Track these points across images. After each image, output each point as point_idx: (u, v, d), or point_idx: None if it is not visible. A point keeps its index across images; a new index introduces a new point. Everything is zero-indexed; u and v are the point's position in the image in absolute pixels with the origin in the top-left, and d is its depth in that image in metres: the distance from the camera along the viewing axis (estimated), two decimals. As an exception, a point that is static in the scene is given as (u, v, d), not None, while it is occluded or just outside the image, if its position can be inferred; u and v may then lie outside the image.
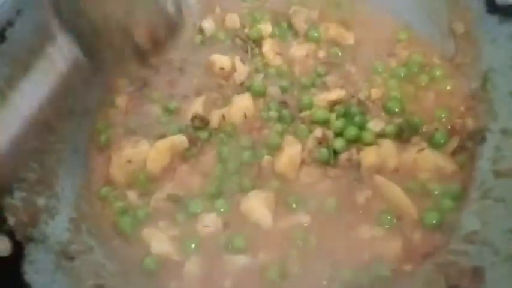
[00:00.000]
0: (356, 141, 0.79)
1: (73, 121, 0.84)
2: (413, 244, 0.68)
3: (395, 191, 0.72)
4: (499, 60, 0.78)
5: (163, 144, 0.81)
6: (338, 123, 0.80)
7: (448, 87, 0.86)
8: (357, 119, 0.80)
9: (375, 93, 0.85)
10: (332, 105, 0.84)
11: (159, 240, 0.72)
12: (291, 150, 0.77)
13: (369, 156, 0.76)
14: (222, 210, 0.75)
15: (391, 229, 0.70)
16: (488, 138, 0.74)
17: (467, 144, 0.76)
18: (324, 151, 0.77)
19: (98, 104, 0.90)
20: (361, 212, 0.73)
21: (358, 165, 0.76)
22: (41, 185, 0.73)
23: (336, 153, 0.78)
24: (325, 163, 0.77)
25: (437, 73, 0.87)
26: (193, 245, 0.72)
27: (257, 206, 0.73)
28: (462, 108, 0.81)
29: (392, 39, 0.94)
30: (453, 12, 0.86)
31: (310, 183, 0.76)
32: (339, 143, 0.78)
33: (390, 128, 0.79)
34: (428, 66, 0.89)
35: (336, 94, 0.84)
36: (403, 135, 0.79)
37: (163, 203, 0.77)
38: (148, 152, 0.81)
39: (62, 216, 0.73)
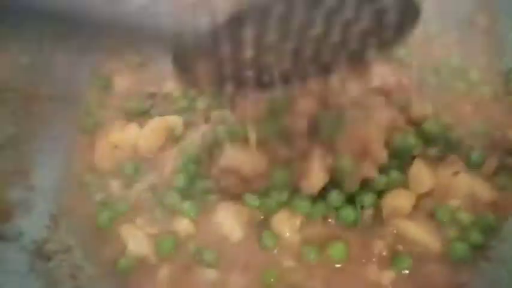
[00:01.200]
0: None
1: (54, 105, 0.76)
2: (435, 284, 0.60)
3: (415, 233, 0.63)
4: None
5: (157, 123, 0.75)
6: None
7: (486, 95, 0.76)
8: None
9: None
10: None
11: (136, 239, 0.66)
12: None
13: (395, 200, 0.65)
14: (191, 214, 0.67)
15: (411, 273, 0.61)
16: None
17: (509, 162, 0.67)
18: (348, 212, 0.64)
19: (84, 86, 0.83)
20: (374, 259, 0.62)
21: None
22: (16, 176, 0.67)
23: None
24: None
25: (475, 78, 0.77)
26: (168, 247, 0.65)
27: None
28: (501, 118, 0.72)
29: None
30: (476, 5, 0.79)
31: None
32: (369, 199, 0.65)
33: (430, 151, 0.68)
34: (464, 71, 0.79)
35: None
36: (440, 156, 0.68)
37: (145, 194, 0.71)
38: (141, 132, 0.75)
39: (40, 211, 0.67)
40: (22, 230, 0.63)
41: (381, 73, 0.68)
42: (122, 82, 0.85)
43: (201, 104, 0.78)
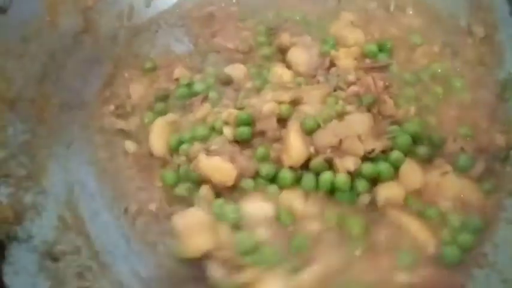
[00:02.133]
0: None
1: (66, 114, 0.80)
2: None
3: (412, 227, 0.65)
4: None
5: (162, 120, 0.78)
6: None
7: (469, 99, 0.76)
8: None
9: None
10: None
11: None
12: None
13: (387, 191, 0.67)
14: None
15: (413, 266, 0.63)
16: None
17: (495, 166, 0.68)
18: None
19: (95, 96, 0.86)
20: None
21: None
22: (30, 181, 0.71)
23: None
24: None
25: (457, 84, 0.78)
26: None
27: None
28: (486, 123, 0.73)
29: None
30: (474, 14, 0.79)
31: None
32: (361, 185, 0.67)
33: (418, 150, 0.70)
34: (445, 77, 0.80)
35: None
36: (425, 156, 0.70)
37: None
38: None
39: (50, 214, 0.70)
40: (33, 231, 0.66)
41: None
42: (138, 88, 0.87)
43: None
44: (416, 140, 0.69)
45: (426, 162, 0.69)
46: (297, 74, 0.81)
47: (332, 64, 0.81)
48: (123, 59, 0.90)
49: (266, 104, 0.72)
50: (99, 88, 0.87)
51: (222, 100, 0.79)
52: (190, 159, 0.72)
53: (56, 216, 0.70)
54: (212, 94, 0.81)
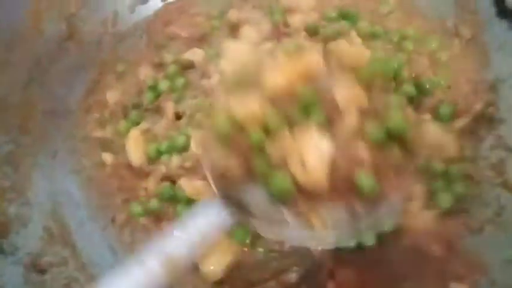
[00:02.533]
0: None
1: (51, 123, 0.79)
2: None
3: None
4: (507, 69, 0.72)
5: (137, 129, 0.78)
6: None
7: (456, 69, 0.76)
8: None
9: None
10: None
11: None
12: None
13: None
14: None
15: None
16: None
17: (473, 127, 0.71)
18: None
19: (79, 104, 0.85)
20: None
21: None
22: (14, 192, 0.70)
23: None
24: None
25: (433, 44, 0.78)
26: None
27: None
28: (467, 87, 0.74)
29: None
30: (460, 14, 0.79)
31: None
32: None
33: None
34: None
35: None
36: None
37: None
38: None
39: (35, 225, 0.69)
40: (18, 244, 0.66)
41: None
42: (114, 95, 0.86)
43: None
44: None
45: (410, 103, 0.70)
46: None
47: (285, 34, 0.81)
48: (108, 64, 0.89)
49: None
50: (83, 95, 0.86)
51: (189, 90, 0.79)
52: (170, 176, 0.71)
53: (41, 227, 0.70)
54: (178, 82, 0.81)
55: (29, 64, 0.79)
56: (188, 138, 0.73)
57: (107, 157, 0.79)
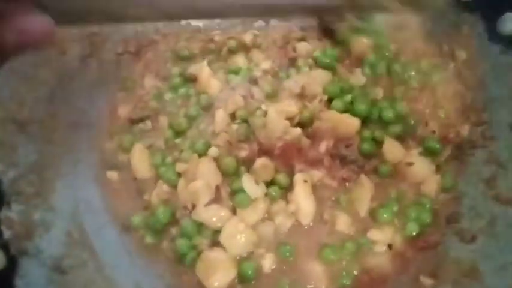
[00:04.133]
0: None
1: (73, 134, 0.85)
2: None
3: None
4: (499, 90, 0.77)
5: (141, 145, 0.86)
6: None
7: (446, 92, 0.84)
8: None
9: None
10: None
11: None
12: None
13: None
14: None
15: None
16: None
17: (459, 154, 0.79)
18: None
19: (99, 117, 0.91)
20: None
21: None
22: (38, 198, 0.75)
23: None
24: None
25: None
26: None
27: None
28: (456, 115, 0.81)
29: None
30: (455, 38, 0.85)
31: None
32: None
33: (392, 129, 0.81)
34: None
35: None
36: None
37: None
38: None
39: (58, 230, 0.74)
40: (42, 247, 0.70)
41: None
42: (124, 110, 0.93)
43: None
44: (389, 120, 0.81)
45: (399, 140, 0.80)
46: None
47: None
48: (124, 80, 0.95)
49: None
50: (104, 109, 0.92)
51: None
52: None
53: (63, 232, 0.75)
54: (181, 91, 0.89)
55: (53, 80, 0.85)
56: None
57: (112, 175, 0.85)
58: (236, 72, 0.90)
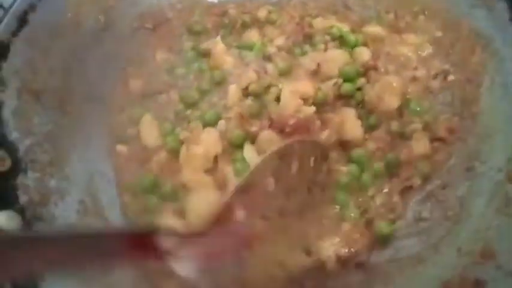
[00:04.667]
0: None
1: (87, 107, 0.85)
2: None
3: None
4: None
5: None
6: None
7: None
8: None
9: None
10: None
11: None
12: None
13: None
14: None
15: None
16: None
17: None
18: None
19: (113, 91, 0.91)
20: None
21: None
22: (53, 167, 0.76)
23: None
24: None
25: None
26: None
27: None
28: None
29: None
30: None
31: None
32: None
33: None
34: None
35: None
36: None
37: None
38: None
39: (72, 198, 0.75)
40: (56, 214, 0.72)
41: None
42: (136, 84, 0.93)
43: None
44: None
45: None
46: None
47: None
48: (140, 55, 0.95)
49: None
50: (116, 83, 0.92)
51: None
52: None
53: (77, 201, 0.75)
54: (194, 66, 0.89)
55: (67, 52, 0.85)
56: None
57: (122, 148, 0.85)
58: (250, 47, 0.89)
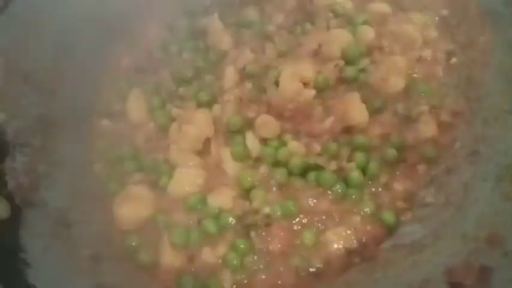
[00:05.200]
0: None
1: (78, 90, 0.82)
2: None
3: None
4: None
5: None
6: None
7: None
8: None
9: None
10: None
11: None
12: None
13: None
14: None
15: None
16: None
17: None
18: None
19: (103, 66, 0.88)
20: None
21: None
22: (44, 152, 0.73)
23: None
24: None
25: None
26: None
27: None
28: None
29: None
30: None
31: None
32: None
33: None
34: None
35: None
36: None
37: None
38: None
39: (63, 183, 0.73)
40: (47, 198, 0.69)
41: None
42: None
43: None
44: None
45: None
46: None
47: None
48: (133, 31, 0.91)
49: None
50: (109, 60, 0.90)
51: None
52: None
53: (68, 185, 0.73)
54: (188, 44, 0.87)
55: (58, 32, 0.81)
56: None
57: (106, 123, 0.84)
58: (248, 26, 0.85)
